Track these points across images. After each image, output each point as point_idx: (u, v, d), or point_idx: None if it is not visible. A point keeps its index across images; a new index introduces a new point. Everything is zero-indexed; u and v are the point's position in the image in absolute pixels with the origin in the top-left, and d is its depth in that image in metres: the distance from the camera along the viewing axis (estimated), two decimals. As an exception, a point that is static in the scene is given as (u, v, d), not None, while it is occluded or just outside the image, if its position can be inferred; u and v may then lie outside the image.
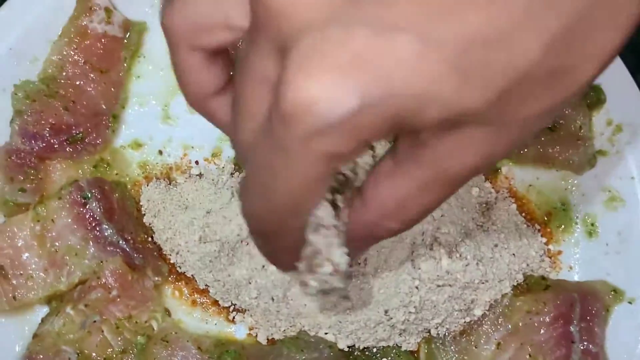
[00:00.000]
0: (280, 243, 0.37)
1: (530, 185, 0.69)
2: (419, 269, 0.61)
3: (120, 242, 0.64)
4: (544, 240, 0.67)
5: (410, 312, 0.62)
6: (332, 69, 0.28)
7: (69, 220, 0.64)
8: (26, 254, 0.63)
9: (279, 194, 0.32)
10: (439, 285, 0.61)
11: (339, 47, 0.28)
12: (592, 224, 0.67)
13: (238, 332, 0.66)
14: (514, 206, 0.68)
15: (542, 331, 0.62)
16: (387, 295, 0.62)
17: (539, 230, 0.68)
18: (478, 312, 0.63)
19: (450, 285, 0.61)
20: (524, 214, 0.68)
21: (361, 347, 0.64)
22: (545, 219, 0.68)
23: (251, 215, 0.36)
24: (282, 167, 0.31)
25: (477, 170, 0.33)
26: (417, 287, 0.61)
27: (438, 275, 0.61)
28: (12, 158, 0.65)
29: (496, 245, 0.64)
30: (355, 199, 0.36)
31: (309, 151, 0.29)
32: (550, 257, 0.67)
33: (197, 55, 0.37)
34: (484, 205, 0.66)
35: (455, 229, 0.61)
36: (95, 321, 0.61)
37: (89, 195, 0.64)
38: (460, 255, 0.61)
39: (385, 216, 0.35)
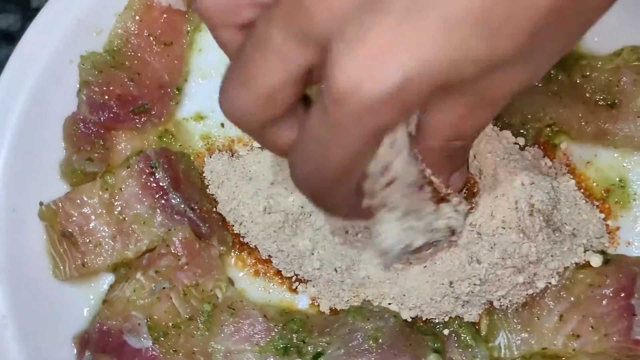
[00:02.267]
0: (331, 201, 0.42)
1: (588, 162, 0.69)
2: (487, 242, 0.62)
3: (187, 211, 0.65)
4: (603, 216, 0.68)
5: (475, 284, 0.62)
6: (373, 52, 0.31)
7: (137, 189, 0.65)
8: (95, 222, 0.64)
9: (329, 164, 0.36)
10: (504, 258, 0.62)
11: (375, 32, 0.31)
12: (651, 201, 0.68)
13: (301, 302, 0.67)
14: (573, 182, 0.68)
15: (604, 303, 0.63)
16: (452, 267, 0.63)
17: (597, 207, 0.68)
18: (541, 285, 0.64)
19: (518, 258, 0.62)
20: (582, 190, 0.69)
21: (424, 319, 0.65)
22: (604, 195, 0.69)
23: (301, 180, 0.41)
24: (333, 141, 0.35)
25: (519, 91, 0.38)
26: (482, 260, 0.62)
27: (506, 250, 0.62)
28: (80, 127, 0.66)
29: (559, 220, 0.65)
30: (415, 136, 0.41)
31: (359, 126, 0.33)
32: (608, 233, 0.68)
33: (231, 30, 0.41)
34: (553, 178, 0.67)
35: (547, 196, 0.62)
36: (164, 288, 0.62)
37: (157, 165, 0.65)
38: (530, 229, 0.62)
39: (444, 138, 0.40)
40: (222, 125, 0.70)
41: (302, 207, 0.65)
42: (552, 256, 0.64)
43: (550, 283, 0.64)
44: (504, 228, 0.63)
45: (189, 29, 0.71)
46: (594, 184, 0.69)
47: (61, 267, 0.64)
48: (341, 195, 0.41)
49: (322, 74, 0.34)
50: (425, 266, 0.64)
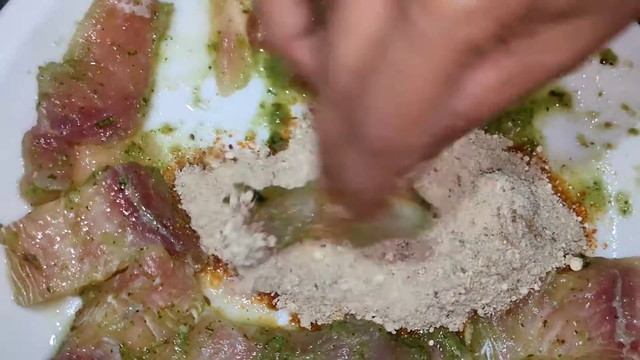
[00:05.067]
0: (397, 162, 0.37)
1: (563, 166, 0.69)
2: (470, 250, 0.61)
3: (159, 228, 0.62)
4: (579, 219, 0.68)
5: (460, 294, 0.61)
6: None
7: (105, 206, 0.61)
8: (60, 243, 0.60)
9: (414, 93, 0.33)
10: (488, 266, 0.61)
11: None
12: (626, 202, 0.68)
13: (280, 318, 0.65)
14: (550, 186, 0.68)
15: (586, 307, 0.63)
16: (437, 277, 0.61)
17: (574, 210, 0.68)
18: (524, 291, 0.63)
19: (502, 265, 0.61)
20: (558, 194, 0.69)
21: (409, 330, 0.63)
22: (579, 197, 0.69)
23: (377, 125, 0.35)
24: (419, 61, 0.32)
25: (566, 67, 0.36)
26: (467, 269, 0.61)
27: (490, 257, 0.61)
28: (40, 143, 0.62)
29: (540, 225, 0.64)
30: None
31: (450, 40, 0.31)
32: (586, 236, 0.68)
33: None
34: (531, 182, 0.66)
35: (528, 201, 0.62)
36: (137, 311, 0.59)
37: (126, 181, 0.61)
38: (513, 235, 0.61)
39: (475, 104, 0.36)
40: (192, 136, 0.67)
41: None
42: (534, 262, 0.63)
43: (533, 289, 0.64)
44: (486, 235, 0.62)
45: (154, 37, 0.67)
46: (570, 187, 0.69)
47: (24, 293, 0.60)
48: (410, 156, 0.36)
49: None
50: (408, 277, 0.62)
